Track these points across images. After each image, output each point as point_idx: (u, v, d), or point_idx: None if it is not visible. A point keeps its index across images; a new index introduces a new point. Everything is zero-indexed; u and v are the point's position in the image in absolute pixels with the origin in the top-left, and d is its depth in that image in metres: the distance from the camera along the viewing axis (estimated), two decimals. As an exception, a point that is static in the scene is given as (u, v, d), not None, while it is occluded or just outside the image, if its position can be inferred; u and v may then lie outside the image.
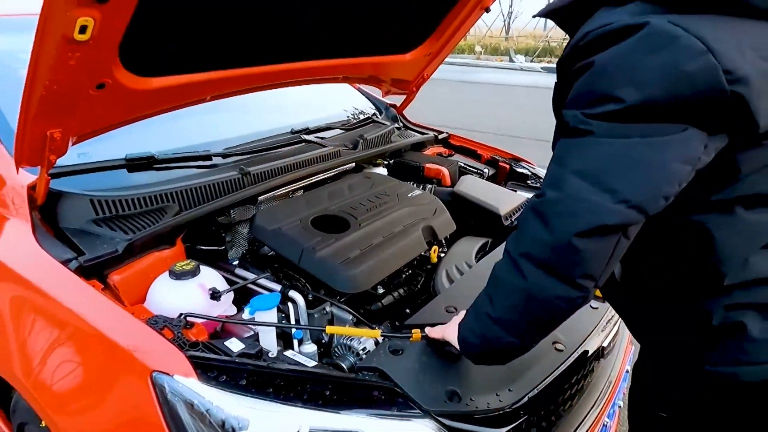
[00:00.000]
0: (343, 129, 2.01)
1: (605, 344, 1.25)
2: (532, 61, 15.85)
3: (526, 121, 7.48)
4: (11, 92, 1.42)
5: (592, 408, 1.22)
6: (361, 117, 2.18)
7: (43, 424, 1.18)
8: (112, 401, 0.97)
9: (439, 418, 0.93)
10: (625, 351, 1.48)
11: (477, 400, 0.96)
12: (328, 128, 1.96)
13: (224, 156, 1.60)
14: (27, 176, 1.27)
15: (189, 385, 0.89)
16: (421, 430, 0.92)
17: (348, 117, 2.16)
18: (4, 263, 1.17)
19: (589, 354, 1.20)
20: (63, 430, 1.02)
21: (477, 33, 22.96)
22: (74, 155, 1.42)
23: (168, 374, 0.90)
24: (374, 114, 2.27)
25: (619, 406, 1.44)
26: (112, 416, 0.97)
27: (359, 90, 2.47)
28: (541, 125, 6.85)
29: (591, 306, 1.28)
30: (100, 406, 0.99)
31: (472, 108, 8.66)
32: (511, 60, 15.86)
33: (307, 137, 1.81)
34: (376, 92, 2.34)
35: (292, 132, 1.84)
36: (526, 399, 1.01)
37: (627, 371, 1.45)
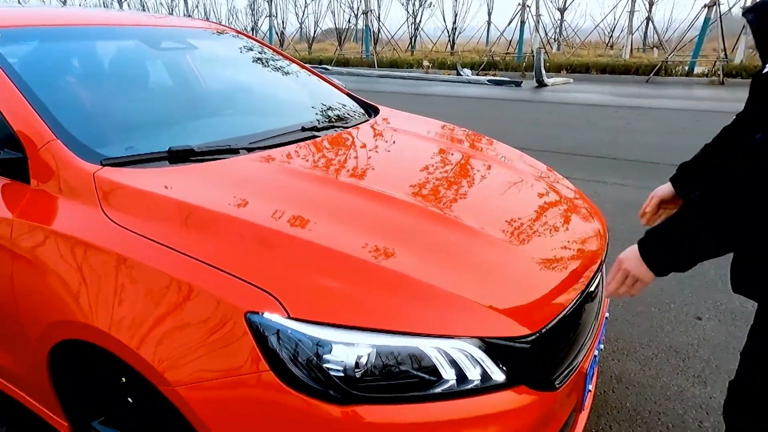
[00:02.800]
0: (343, 127, 2.24)
1: (592, 289, 1.54)
2: (477, 74, 16.56)
3: (482, 129, 7.93)
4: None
5: (585, 340, 1.51)
6: (358, 118, 2.42)
7: (124, 379, 1.33)
8: (214, 344, 1.14)
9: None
10: (604, 302, 1.78)
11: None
12: (330, 126, 2.18)
13: (249, 150, 1.79)
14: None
15: (283, 322, 1.09)
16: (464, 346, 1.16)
17: (346, 116, 2.39)
18: (84, 239, 1.33)
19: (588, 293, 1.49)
20: (163, 376, 1.17)
21: (423, 48, 23.76)
22: (122, 148, 1.59)
23: (259, 313, 1.10)
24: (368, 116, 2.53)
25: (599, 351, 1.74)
26: (212, 357, 1.14)
27: (352, 96, 2.71)
28: (495, 132, 7.39)
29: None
30: (202, 351, 1.15)
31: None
32: (458, 74, 16.51)
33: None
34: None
35: (302, 129, 2.05)
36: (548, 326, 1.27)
37: (606, 317, 1.74)
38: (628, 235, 3.23)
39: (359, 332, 1.10)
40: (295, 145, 1.88)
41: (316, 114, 2.32)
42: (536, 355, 1.24)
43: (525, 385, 1.21)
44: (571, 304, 1.35)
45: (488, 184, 1.90)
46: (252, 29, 27.51)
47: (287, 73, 2.64)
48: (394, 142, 2.16)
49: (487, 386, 1.17)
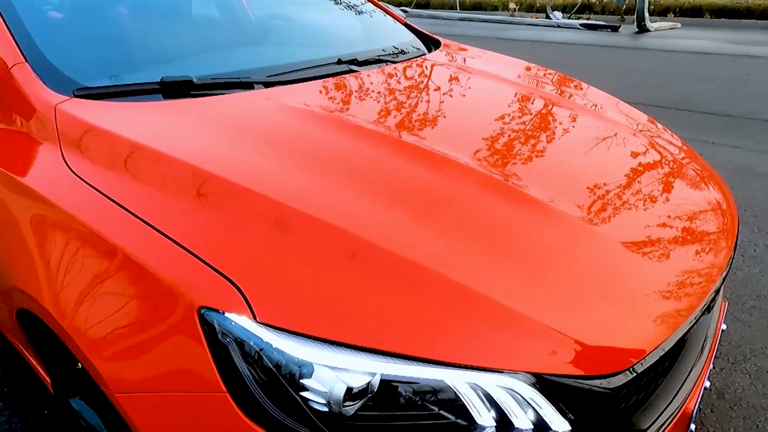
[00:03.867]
0: (392, 62, 1.82)
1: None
2: (570, 17, 15.06)
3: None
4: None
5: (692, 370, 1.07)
6: (412, 51, 1.98)
7: (80, 365, 1.08)
8: (156, 342, 0.85)
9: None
10: (721, 306, 1.30)
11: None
12: (378, 60, 1.77)
13: (266, 84, 1.44)
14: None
15: (243, 324, 0.76)
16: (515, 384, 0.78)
17: (397, 51, 1.95)
18: (35, 189, 1.06)
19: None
20: (101, 375, 0.91)
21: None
22: (105, 78, 1.30)
23: (218, 311, 0.78)
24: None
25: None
26: (155, 359, 0.85)
27: (410, 26, 2.26)
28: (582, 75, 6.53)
29: None
30: (143, 349, 0.87)
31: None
32: (547, 17, 15.11)
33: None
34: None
35: (339, 62, 1.66)
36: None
37: (723, 330, 1.28)
38: (743, 212, 2.59)
39: (355, 352, 0.75)
40: (322, 80, 1.50)
41: (361, 46, 1.91)
42: (620, 399, 0.84)
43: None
44: (683, 325, 0.92)
45: (570, 140, 1.43)
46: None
47: (337, 2, 2.23)
48: (451, 83, 1.72)
49: (542, 438, 0.80)
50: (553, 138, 1.40)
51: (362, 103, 1.42)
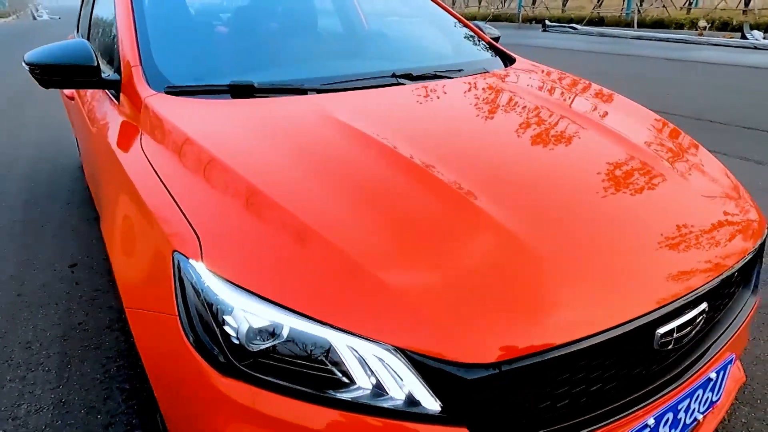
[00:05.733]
0: (449, 77, 1.94)
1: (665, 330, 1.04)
2: (772, 38, 13.02)
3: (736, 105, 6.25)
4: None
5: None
6: (476, 68, 2.07)
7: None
8: (152, 272, 1.13)
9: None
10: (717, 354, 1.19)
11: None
12: (435, 76, 1.92)
13: (318, 91, 1.69)
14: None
15: (196, 267, 1.00)
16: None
17: (462, 66, 2.07)
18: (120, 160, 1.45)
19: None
20: (120, 291, 1.22)
21: (707, 6, 19.59)
22: (194, 79, 1.66)
23: (184, 256, 1.03)
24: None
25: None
26: (149, 284, 1.13)
27: (492, 45, 2.35)
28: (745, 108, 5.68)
29: None
30: (144, 276, 1.16)
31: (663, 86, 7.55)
32: (743, 36, 13.26)
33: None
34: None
35: (393, 76, 1.84)
36: None
37: (710, 378, 1.17)
38: None
39: (265, 303, 0.93)
40: (363, 90, 1.70)
41: (425, 61, 2.06)
42: (494, 396, 0.90)
43: (467, 429, 0.89)
44: (584, 340, 0.93)
45: (557, 156, 1.42)
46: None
47: (418, 17, 2.41)
48: (489, 102, 1.78)
49: (411, 412, 0.90)
50: (548, 161, 1.39)
51: (386, 112, 1.59)
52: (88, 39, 2.40)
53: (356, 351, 0.90)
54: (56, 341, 2.15)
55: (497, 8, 26.24)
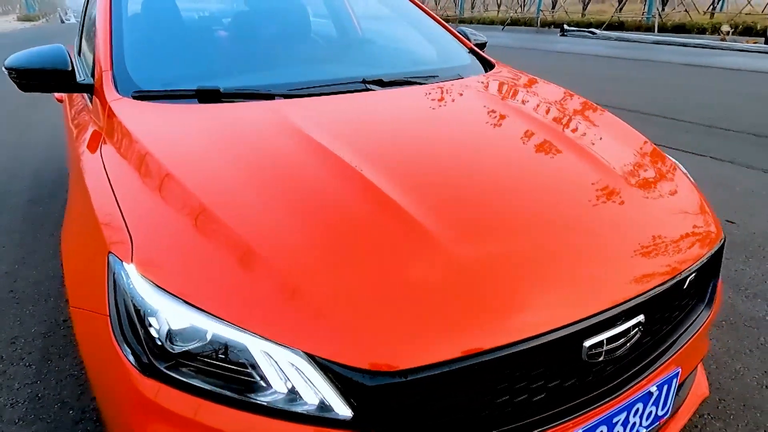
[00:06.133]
0: (421, 83, 1.94)
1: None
2: (798, 43, 12.69)
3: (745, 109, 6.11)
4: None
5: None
6: (450, 74, 2.06)
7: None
8: (90, 269, 1.16)
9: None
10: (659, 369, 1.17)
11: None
12: (406, 82, 1.92)
13: (285, 96, 1.71)
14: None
15: (127, 269, 1.02)
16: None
17: (437, 72, 2.06)
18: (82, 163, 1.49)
19: None
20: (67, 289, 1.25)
21: (732, 10, 19.15)
22: (161, 84, 1.69)
23: (117, 258, 1.05)
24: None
25: None
26: (89, 283, 1.16)
27: (474, 51, 2.34)
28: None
29: None
30: (84, 273, 1.20)
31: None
32: (767, 42, 12.97)
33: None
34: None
35: (363, 81, 1.86)
36: None
37: (651, 392, 1.15)
38: None
39: (187, 308, 0.95)
40: (331, 96, 1.72)
41: (399, 67, 2.07)
42: (406, 403, 0.90)
43: (377, 434, 0.90)
44: (505, 347, 0.92)
45: (519, 174, 1.40)
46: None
47: (398, 24, 2.42)
48: (450, 108, 1.77)
49: (322, 417, 0.90)
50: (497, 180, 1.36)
51: (344, 119, 1.60)
52: (81, 43, 2.44)
53: (271, 356, 0.91)
54: (39, 337, 2.21)
55: (516, 12, 26.08)
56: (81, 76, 1.78)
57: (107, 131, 1.49)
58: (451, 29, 2.43)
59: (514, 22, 24.28)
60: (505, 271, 1.02)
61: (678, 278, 1.14)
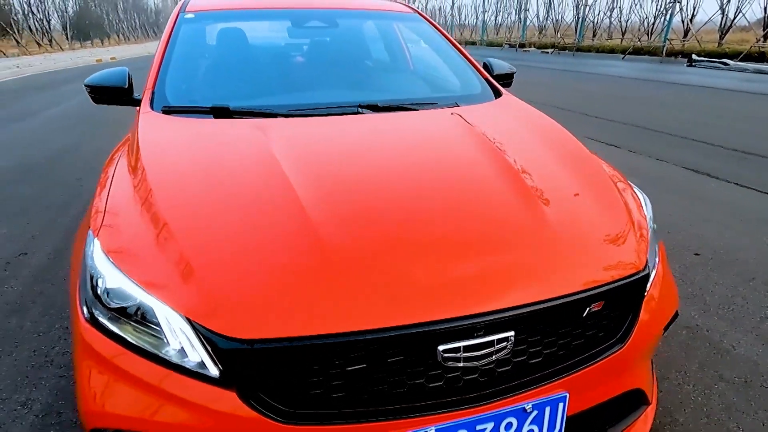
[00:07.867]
0: (414, 110, 2.10)
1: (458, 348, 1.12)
2: None
3: None
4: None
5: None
6: (448, 102, 2.20)
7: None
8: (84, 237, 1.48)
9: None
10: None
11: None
12: (398, 108, 2.10)
13: (286, 116, 1.97)
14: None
15: (94, 246, 1.33)
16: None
17: (436, 100, 2.21)
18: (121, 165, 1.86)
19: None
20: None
21: None
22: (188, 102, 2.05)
23: (91, 233, 1.36)
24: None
25: None
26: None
27: (489, 81, 2.45)
28: None
29: None
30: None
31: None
32: None
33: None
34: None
35: (359, 106, 2.06)
36: None
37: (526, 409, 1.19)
38: None
39: (119, 272, 1.22)
40: (324, 117, 1.95)
41: (400, 93, 2.25)
42: (262, 368, 1.08)
43: (236, 393, 1.08)
44: (350, 334, 1.07)
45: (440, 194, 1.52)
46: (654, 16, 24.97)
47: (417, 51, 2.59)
48: (426, 137, 1.89)
49: (201, 374, 1.11)
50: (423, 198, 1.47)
51: (314, 136, 1.81)
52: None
53: (168, 320, 1.15)
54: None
55: (640, 41, 24.63)
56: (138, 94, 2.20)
57: (131, 137, 1.86)
58: (469, 56, 2.54)
59: (636, 51, 22.94)
60: (369, 265, 1.17)
61: (557, 302, 1.18)
